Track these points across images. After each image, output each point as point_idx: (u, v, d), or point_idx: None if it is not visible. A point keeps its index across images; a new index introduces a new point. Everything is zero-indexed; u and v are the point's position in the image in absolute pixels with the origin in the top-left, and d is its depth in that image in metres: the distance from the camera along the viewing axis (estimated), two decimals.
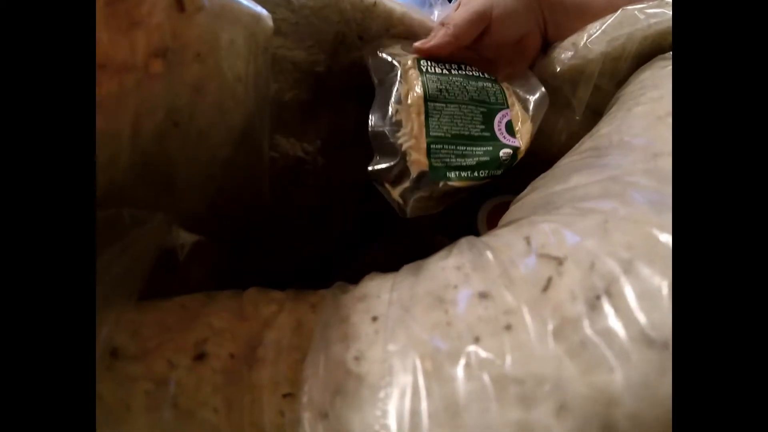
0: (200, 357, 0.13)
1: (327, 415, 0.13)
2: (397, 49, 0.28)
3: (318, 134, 0.29)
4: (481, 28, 0.28)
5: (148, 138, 0.18)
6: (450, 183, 0.23)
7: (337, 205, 0.32)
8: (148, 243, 0.17)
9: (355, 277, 0.18)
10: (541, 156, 0.29)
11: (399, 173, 0.23)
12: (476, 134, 0.25)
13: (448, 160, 0.24)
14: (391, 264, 0.18)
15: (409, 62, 0.27)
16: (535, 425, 0.11)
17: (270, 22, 0.20)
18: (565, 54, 0.29)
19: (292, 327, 0.15)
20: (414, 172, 0.23)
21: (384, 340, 0.13)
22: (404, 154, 0.23)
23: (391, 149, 0.23)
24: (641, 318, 0.11)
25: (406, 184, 0.23)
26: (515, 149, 0.25)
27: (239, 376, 0.13)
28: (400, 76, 0.26)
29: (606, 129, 0.22)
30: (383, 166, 0.23)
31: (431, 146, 0.24)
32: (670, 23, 0.26)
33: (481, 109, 0.26)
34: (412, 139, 0.23)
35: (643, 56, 0.27)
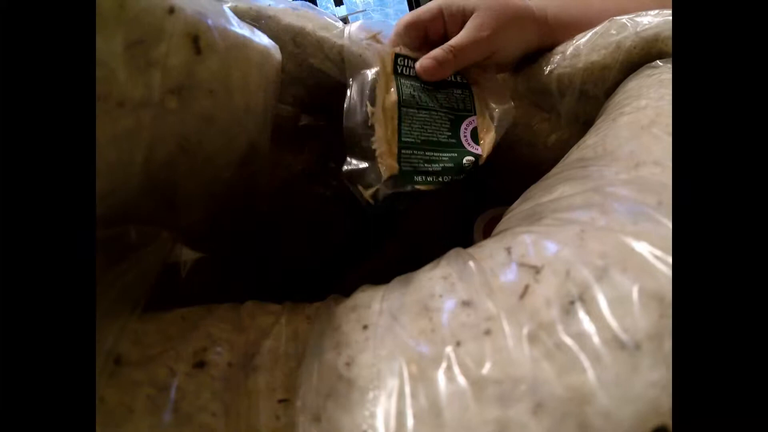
0: (200, 365, 0.14)
1: (320, 418, 0.13)
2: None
3: (314, 149, 0.30)
4: (484, 57, 0.28)
5: (158, 163, 0.18)
6: (416, 186, 0.24)
7: (334, 218, 0.33)
8: (153, 259, 0.18)
9: (351, 288, 0.19)
10: (534, 162, 0.30)
11: (371, 176, 0.24)
12: (443, 140, 0.26)
13: (416, 165, 0.25)
14: (387, 276, 0.19)
15: (388, 63, 0.27)
16: (512, 423, 0.11)
17: (278, 56, 0.21)
18: (553, 61, 0.30)
19: (288, 337, 0.16)
20: (385, 176, 0.24)
21: (373, 347, 0.14)
22: (378, 158, 0.24)
23: (363, 152, 0.24)
24: (613, 322, 0.12)
25: (377, 186, 0.24)
26: (477, 157, 0.26)
27: (237, 383, 0.14)
28: (378, 76, 0.26)
29: (592, 140, 0.23)
30: (356, 167, 0.24)
31: (402, 152, 0.25)
32: (657, 30, 0.26)
33: (450, 116, 0.27)
34: (385, 144, 0.24)
35: (632, 65, 0.27)
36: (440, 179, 0.25)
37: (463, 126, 0.27)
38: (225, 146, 0.22)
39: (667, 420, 0.11)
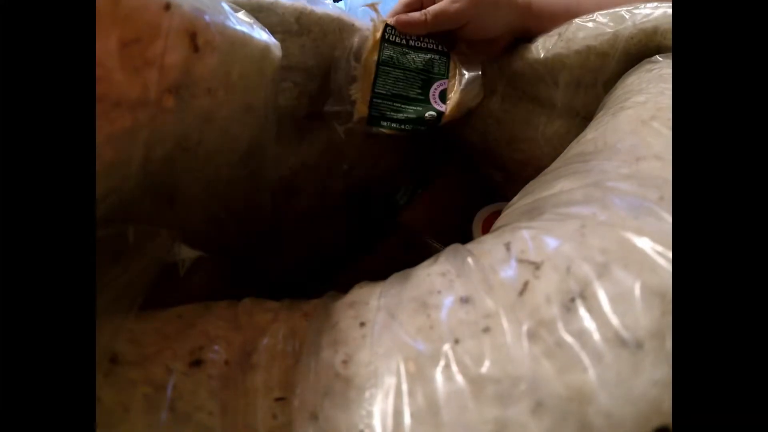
0: (196, 363, 0.14)
1: (317, 417, 0.13)
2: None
3: (313, 146, 0.30)
4: (456, 25, 0.31)
5: (157, 163, 0.18)
6: (381, 130, 0.31)
7: (332, 215, 0.33)
8: (151, 258, 0.18)
9: (349, 285, 0.19)
10: (533, 157, 0.30)
11: (345, 115, 0.31)
12: (413, 96, 0.32)
13: (384, 112, 0.31)
14: (385, 271, 0.19)
15: (379, 29, 0.31)
16: (511, 422, 0.11)
17: (278, 52, 0.21)
18: (549, 41, 0.30)
19: (286, 334, 0.16)
20: (356, 117, 0.31)
21: (371, 344, 0.14)
22: (352, 103, 0.30)
23: (344, 97, 0.30)
24: (614, 320, 0.12)
25: (349, 124, 0.31)
26: (440, 113, 0.31)
27: (234, 382, 0.14)
28: (367, 41, 0.31)
29: (592, 134, 0.23)
30: (335, 108, 0.31)
31: (373, 100, 0.31)
32: (656, 23, 0.26)
33: (422, 77, 0.32)
34: (361, 93, 0.31)
35: (630, 55, 0.27)
36: (402, 126, 0.31)
37: (433, 86, 0.32)
38: (225, 145, 0.21)
39: (670, 420, 0.11)
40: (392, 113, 0.31)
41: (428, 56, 0.32)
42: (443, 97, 0.32)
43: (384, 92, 0.31)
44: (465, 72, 0.32)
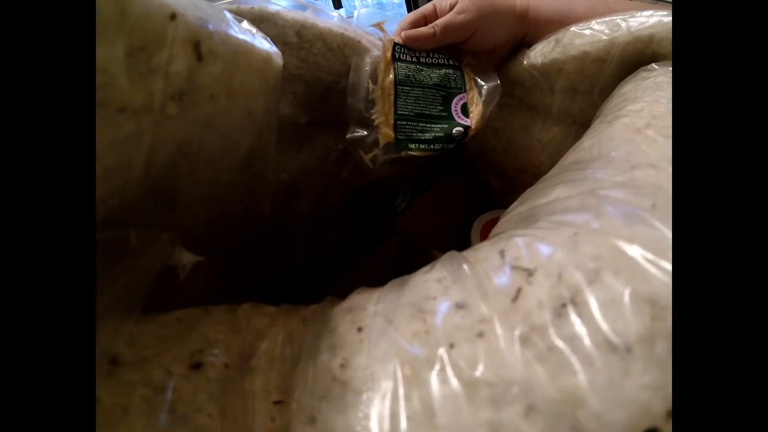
0: (196, 366, 0.14)
1: (314, 420, 0.13)
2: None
3: (313, 152, 0.31)
4: (463, 37, 0.31)
5: (158, 167, 0.19)
6: (410, 152, 0.29)
7: (332, 219, 0.33)
8: (152, 262, 0.18)
9: (348, 290, 0.19)
10: (530, 165, 0.30)
11: (370, 142, 0.29)
12: (435, 113, 0.31)
13: (410, 134, 0.30)
14: (384, 278, 0.19)
15: (388, 49, 0.31)
16: (504, 425, 0.12)
17: (280, 61, 0.22)
18: (547, 47, 0.31)
19: (284, 339, 0.16)
20: (382, 142, 0.29)
21: (368, 349, 0.14)
22: (376, 128, 0.29)
23: (364, 122, 0.29)
24: (604, 325, 0.12)
25: (376, 151, 0.30)
26: (466, 128, 0.30)
27: (233, 385, 0.14)
28: (380, 60, 0.30)
29: (588, 142, 0.23)
30: (358, 135, 0.30)
31: (398, 123, 0.29)
32: (652, 30, 0.27)
33: (442, 93, 0.31)
34: (383, 116, 0.29)
35: (626, 63, 0.28)
36: (432, 146, 0.29)
37: (454, 101, 0.31)
38: (226, 150, 0.22)
39: (659, 423, 0.11)
40: (419, 134, 0.30)
41: (442, 71, 0.31)
42: (465, 110, 0.31)
43: (406, 113, 0.30)
44: (482, 82, 0.32)
